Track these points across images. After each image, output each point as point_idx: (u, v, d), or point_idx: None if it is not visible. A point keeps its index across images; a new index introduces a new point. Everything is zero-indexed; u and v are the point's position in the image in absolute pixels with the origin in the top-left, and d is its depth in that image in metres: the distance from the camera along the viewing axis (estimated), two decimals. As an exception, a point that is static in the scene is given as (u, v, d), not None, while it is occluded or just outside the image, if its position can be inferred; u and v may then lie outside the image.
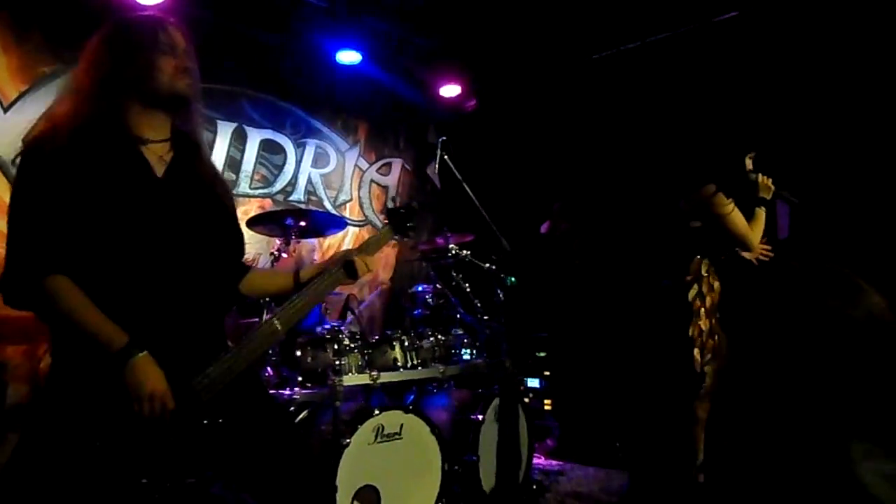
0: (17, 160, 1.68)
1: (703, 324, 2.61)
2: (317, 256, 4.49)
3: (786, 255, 3.07)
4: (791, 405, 0.97)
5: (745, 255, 2.86)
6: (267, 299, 2.97)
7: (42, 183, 1.61)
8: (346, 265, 1.94)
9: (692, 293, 2.66)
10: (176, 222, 1.74)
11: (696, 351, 2.59)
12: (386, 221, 2.16)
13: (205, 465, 1.67)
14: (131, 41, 1.75)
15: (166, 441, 1.59)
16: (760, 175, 2.94)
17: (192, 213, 1.78)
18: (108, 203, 1.63)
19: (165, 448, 1.59)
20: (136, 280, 1.65)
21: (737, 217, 2.74)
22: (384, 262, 5.81)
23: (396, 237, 2.18)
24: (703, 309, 2.63)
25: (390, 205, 5.56)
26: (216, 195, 1.89)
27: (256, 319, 3.09)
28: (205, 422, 1.66)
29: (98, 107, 1.70)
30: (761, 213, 2.88)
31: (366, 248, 2.02)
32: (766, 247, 2.91)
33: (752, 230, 2.80)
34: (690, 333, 2.61)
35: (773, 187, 2.95)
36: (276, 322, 1.84)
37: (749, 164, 2.96)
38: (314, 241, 4.86)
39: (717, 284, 2.71)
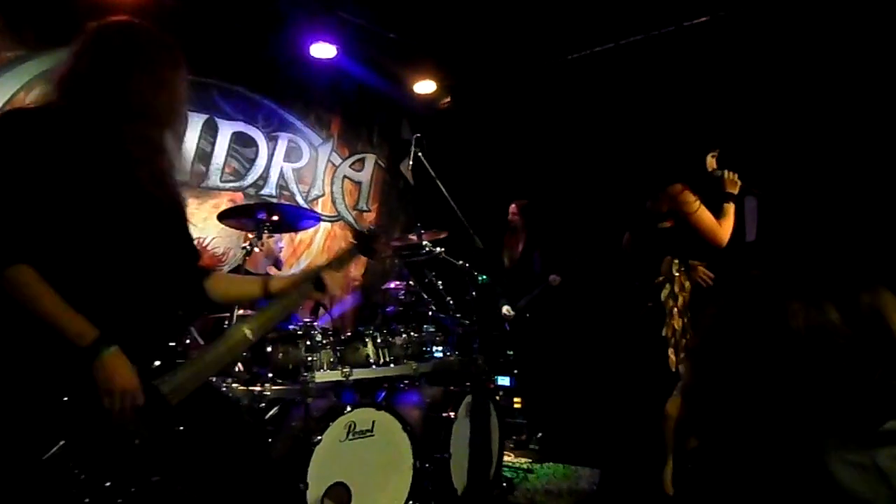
0: None
1: (676, 323, 2.64)
2: (283, 246, 4.42)
3: (749, 261, 3.12)
4: (764, 403, 0.99)
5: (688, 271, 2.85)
6: None
7: (20, 166, 1.53)
8: (315, 280, 1.98)
9: (664, 293, 2.69)
10: (145, 221, 1.71)
11: (670, 350, 2.62)
12: (353, 242, 2.28)
13: (168, 469, 1.63)
14: (163, 66, 1.76)
15: (131, 442, 1.56)
16: (726, 171, 2.97)
17: (158, 213, 1.75)
18: (86, 196, 1.59)
19: (132, 451, 1.55)
20: (101, 274, 1.61)
21: (704, 214, 2.78)
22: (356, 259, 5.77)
23: (362, 256, 2.31)
24: (675, 309, 2.66)
25: (357, 225, 5.67)
26: (175, 196, 1.86)
27: (227, 315, 3.04)
28: (176, 427, 1.64)
29: (101, 106, 1.66)
30: (730, 208, 2.91)
31: (333, 264, 2.08)
32: (707, 272, 2.88)
33: (722, 226, 2.84)
34: (664, 333, 2.63)
35: (739, 182, 2.97)
36: (245, 329, 1.83)
37: (713, 161, 2.99)
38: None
39: (688, 284, 2.74)
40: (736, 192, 2.95)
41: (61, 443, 1.46)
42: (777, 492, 0.89)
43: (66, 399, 1.51)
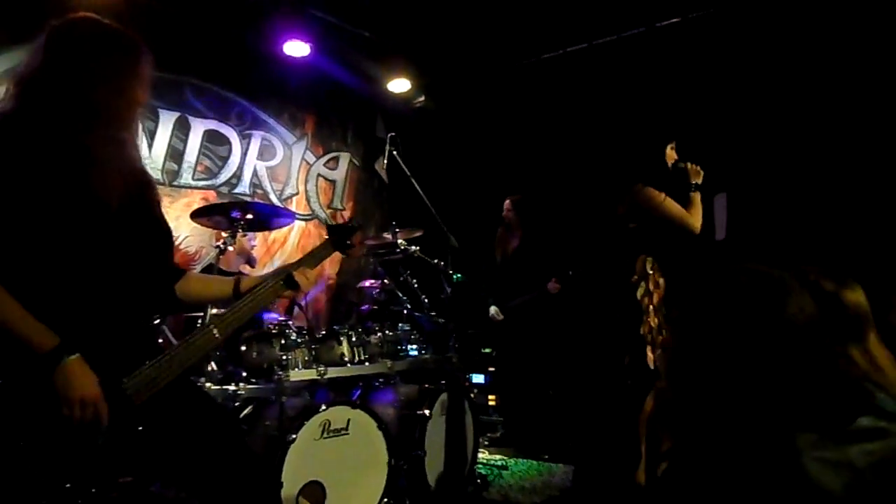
0: None
1: (653, 321, 2.67)
2: (256, 244, 4.39)
3: (721, 257, 3.17)
4: (736, 401, 1.00)
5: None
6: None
7: None
8: (286, 278, 1.94)
9: (640, 292, 2.71)
10: (108, 221, 1.66)
11: (648, 348, 2.64)
12: (326, 237, 2.20)
13: (138, 469, 1.62)
14: (122, 66, 1.70)
15: (95, 445, 1.53)
16: (689, 163, 3.01)
17: (116, 215, 1.68)
18: (40, 202, 1.54)
19: (94, 452, 1.53)
20: (65, 279, 1.58)
21: (671, 203, 2.83)
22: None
23: (336, 252, 2.21)
24: (651, 306, 2.69)
25: (331, 222, 5.54)
26: (145, 191, 1.83)
27: (201, 314, 3.01)
28: (139, 428, 1.61)
29: (56, 109, 1.61)
30: (696, 197, 2.95)
31: (305, 261, 2.03)
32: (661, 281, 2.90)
33: (692, 213, 2.88)
34: (642, 332, 2.65)
35: (702, 172, 3.01)
36: (214, 329, 1.81)
37: (672, 153, 3.03)
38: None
39: (661, 281, 2.77)
40: (700, 181, 3.00)
41: (20, 443, 1.45)
42: (750, 488, 0.90)
43: (24, 404, 1.48)
